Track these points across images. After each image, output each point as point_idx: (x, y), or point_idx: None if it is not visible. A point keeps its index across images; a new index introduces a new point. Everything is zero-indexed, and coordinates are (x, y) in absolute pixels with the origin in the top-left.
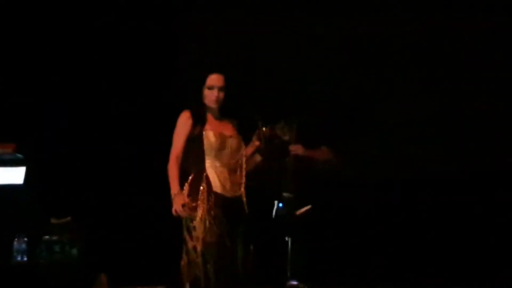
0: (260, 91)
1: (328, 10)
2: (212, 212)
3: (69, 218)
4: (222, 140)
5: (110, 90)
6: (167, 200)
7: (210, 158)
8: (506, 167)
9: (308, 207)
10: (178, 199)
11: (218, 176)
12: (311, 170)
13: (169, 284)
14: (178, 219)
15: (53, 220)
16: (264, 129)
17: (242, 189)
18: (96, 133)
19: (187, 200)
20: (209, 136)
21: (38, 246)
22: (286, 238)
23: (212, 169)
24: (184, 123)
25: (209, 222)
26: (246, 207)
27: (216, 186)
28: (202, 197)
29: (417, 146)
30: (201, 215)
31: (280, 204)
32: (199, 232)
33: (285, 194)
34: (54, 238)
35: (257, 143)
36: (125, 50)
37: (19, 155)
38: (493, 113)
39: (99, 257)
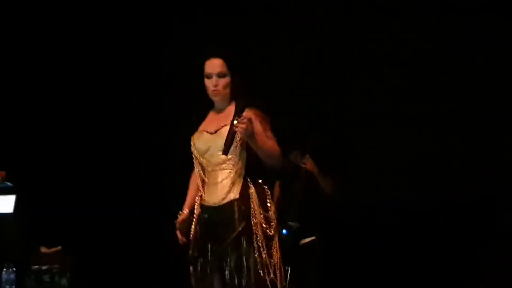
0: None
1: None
2: (197, 228)
3: (59, 247)
4: (203, 140)
5: (98, 116)
6: (158, 227)
7: (198, 164)
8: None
9: (313, 237)
10: (177, 223)
11: (205, 183)
12: (319, 199)
13: None
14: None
15: (42, 250)
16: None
17: (232, 195)
18: (87, 160)
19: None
20: (193, 139)
21: (27, 276)
22: (286, 267)
23: (201, 177)
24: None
25: (193, 239)
26: (236, 217)
27: (203, 196)
28: (195, 214)
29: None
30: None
31: (284, 231)
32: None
33: (290, 223)
34: (44, 267)
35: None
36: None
37: (9, 184)
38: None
39: (88, 286)
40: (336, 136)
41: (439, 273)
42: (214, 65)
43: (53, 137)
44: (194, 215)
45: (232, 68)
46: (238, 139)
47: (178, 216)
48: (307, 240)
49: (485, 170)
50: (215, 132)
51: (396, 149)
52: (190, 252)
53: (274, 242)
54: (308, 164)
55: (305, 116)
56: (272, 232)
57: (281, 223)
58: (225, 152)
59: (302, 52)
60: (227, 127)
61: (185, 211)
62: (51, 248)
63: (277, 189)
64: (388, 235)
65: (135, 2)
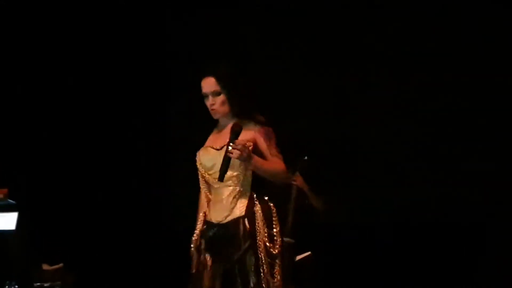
0: None
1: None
2: (200, 243)
3: (61, 264)
4: (208, 156)
5: (103, 132)
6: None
7: (204, 180)
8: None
9: (308, 253)
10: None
11: (211, 200)
12: (312, 215)
13: None
14: None
15: (44, 267)
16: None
17: (237, 212)
18: (90, 177)
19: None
20: (199, 155)
21: None
22: None
23: (206, 194)
24: None
25: (196, 256)
26: (241, 235)
27: (208, 213)
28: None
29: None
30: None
31: None
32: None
33: (285, 239)
34: (46, 285)
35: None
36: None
37: (11, 201)
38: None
39: None
40: (333, 139)
41: (439, 273)
42: (208, 84)
43: (56, 154)
44: (197, 231)
45: (227, 84)
46: None
47: (192, 239)
48: (302, 256)
49: (485, 170)
50: (221, 148)
51: (396, 149)
52: (192, 269)
53: (277, 261)
54: (298, 180)
55: (295, 131)
56: (276, 251)
57: None
58: (221, 178)
59: (299, 57)
60: None
61: (196, 234)
62: (53, 265)
63: None
64: (388, 235)
65: (135, 2)
